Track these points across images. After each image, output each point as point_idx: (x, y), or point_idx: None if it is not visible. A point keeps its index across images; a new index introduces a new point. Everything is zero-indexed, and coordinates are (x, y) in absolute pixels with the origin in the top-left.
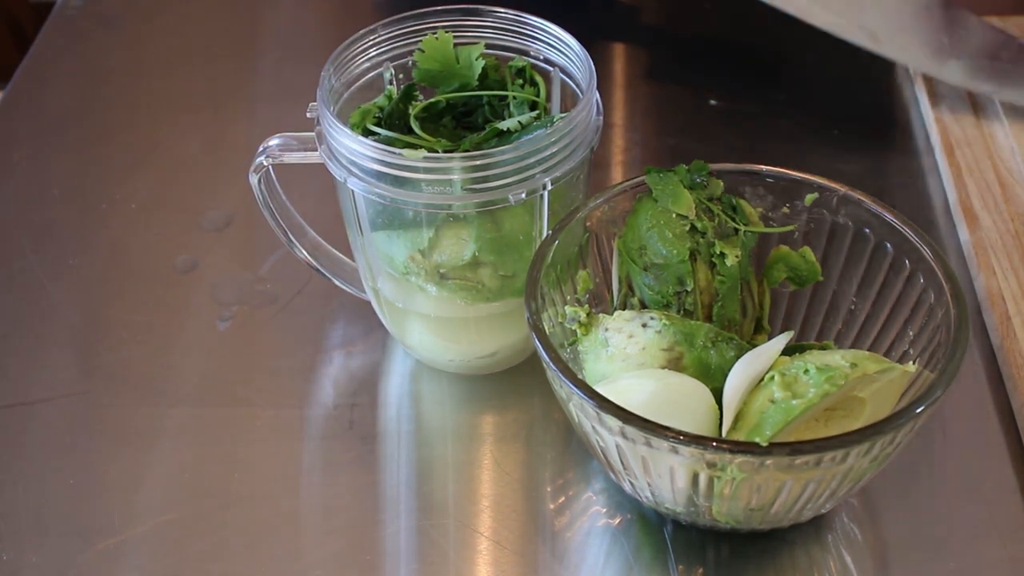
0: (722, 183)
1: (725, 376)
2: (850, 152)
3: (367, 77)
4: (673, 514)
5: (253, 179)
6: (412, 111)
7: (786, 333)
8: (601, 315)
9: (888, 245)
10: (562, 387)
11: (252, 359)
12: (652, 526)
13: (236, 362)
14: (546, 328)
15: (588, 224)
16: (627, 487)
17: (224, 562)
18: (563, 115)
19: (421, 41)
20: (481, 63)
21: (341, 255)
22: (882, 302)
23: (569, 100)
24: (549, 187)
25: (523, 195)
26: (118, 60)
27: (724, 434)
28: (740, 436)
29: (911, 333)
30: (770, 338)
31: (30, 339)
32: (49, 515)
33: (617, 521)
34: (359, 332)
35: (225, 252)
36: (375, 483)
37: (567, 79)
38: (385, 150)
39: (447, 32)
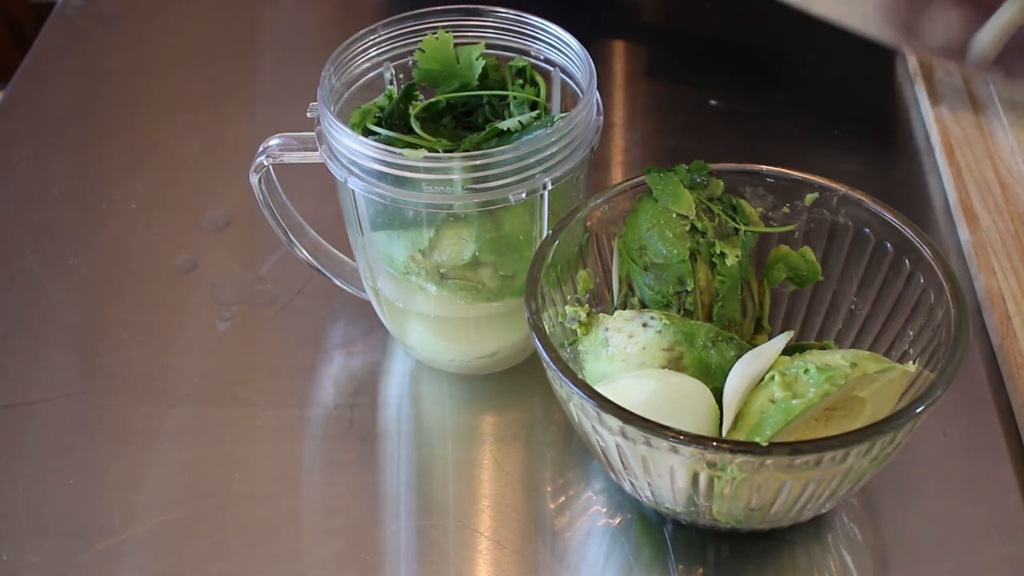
0: (722, 183)
1: (725, 376)
2: (850, 152)
3: (367, 77)
4: (673, 514)
5: (253, 179)
6: (412, 111)
7: (786, 333)
8: (601, 315)
9: (888, 245)
10: (562, 387)
11: (252, 359)
12: (652, 526)
13: (236, 362)
14: (546, 328)
15: (588, 224)
16: (627, 487)
17: (224, 562)
18: (563, 115)
19: (421, 41)
20: (481, 63)
21: (341, 255)
22: (882, 302)
23: (569, 100)
24: (549, 187)
25: (523, 195)
26: (118, 60)
27: (724, 434)
28: (740, 436)
29: (911, 333)
30: (770, 338)
31: (30, 339)
32: (49, 515)
33: (617, 521)
34: (359, 332)
35: (225, 252)
36: (375, 483)
37: (567, 79)
38: (385, 150)
39: (447, 32)
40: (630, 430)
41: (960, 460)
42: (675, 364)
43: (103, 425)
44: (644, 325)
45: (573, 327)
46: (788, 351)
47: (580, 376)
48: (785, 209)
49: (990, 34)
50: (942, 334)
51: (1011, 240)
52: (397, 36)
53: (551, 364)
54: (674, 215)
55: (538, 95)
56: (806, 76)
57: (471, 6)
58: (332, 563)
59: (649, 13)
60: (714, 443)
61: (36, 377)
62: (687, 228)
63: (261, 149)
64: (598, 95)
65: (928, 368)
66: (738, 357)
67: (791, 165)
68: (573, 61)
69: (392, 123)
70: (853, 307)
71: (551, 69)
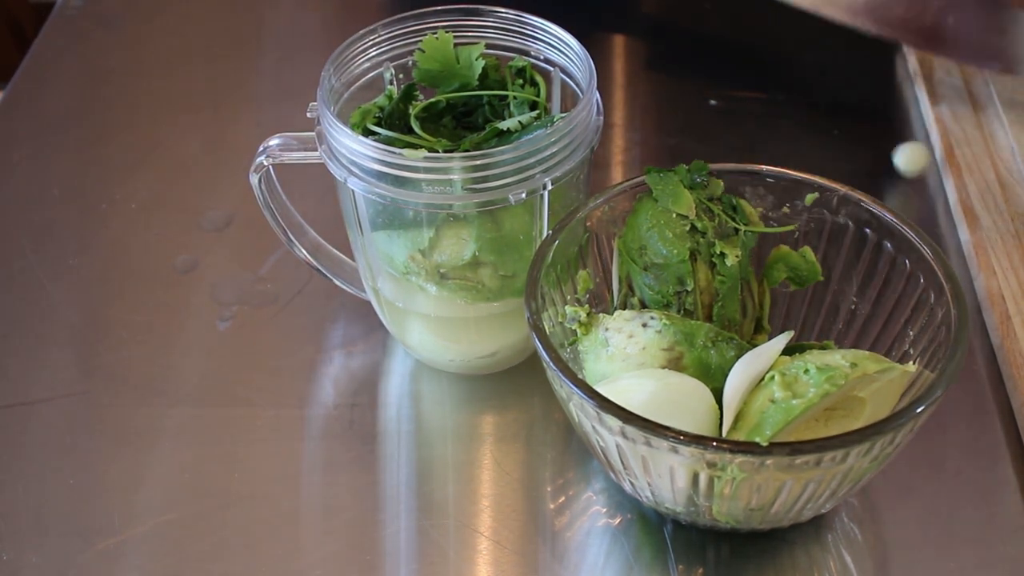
0: (722, 183)
1: (725, 376)
2: (850, 152)
3: (367, 77)
4: (673, 514)
5: (253, 179)
6: (412, 111)
7: (786, 333)
8: (601, 315)
9: (888, 245)
10: (562, 387)
11: (252, 359)
12: (652, 526)
13: (236, 362)
14: (546, 328)
15: (588, 224)
16: (627, 487)
17: (224, 562)
18: (563, 115)
19: (421, 41)
20: (481, 63)
21: (341, 255)
22: (882, 302)
23: (569, 100)
24: (549, 187)
25: (523, 195)
26: (118, 60)
27: (724, 434)
28: (740, 436)
29: (911, 333)
30: (770, 338)
31: (30, 339)
32: (49, 515)
33: (617, 521)
34: (359, 332)
35: (225, 252)
36: (375, 483)
37: (567, 79)
38: (385, 150)
39: (447, 32)
40: (630, 430)
41: (960, 460)
42: (675, 364)
43: (103, 425)
44: (644, 325)
45: (573, 327)
46: (788, 351)
47: (580, 376)
48: (785, 209)
49: None
50: (942, 334)
51: (1011, 240)
52: (397, 36)
53: (551, 364)
54: (674, 215)
55: (538, 95)
56: (806, 76)
57: (471, 6)
58: (332, 563)
59: (649, 14)
60: (714, 443)
61: (36, 377)
62: (687, 228)
63: (261, 149)
64: (598, 95)
65: (928, 368)
66: (738, 357)
67: (791, 165)
68: (573, 61)
69: (392, 123)
70: (853, 307)
71: (551, 69)
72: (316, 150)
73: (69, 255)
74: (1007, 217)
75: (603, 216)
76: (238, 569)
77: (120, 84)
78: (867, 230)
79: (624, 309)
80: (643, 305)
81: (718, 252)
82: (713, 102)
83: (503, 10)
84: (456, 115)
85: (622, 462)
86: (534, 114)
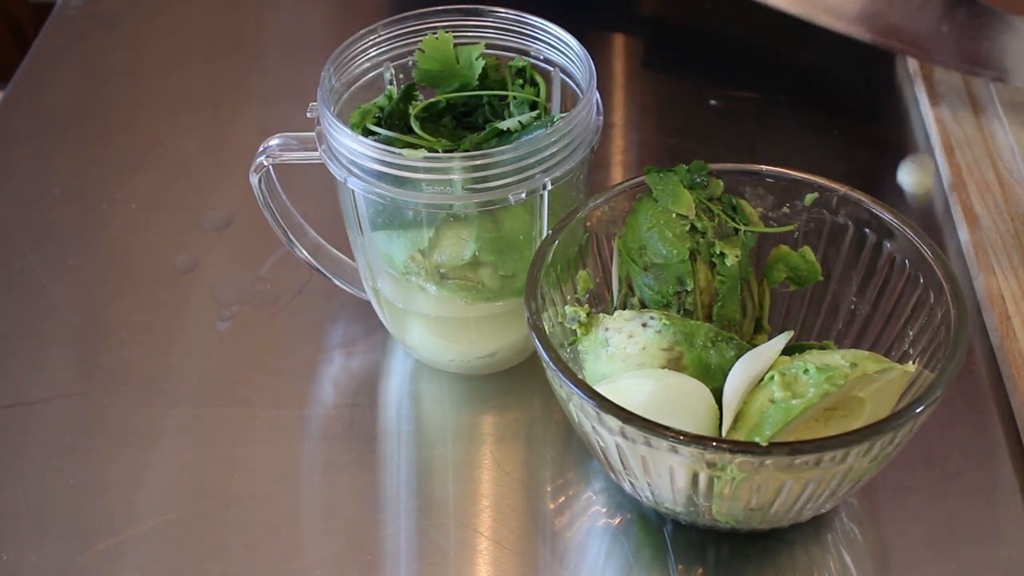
0: (722, 183)
1: (725, 376)
2: (850, 152)
3: (367, 77)
4: (673, 514)
5: (253, 179)
6: (412, 111)
7: (786, 333)
8: (601, 315)
9: (888, 245)
10: (562, 387)
11: (252, 359)
12: (652, 526)
13: (236, 362)
14: (546, 328)
15: (588, 224)
16: (627, 487)
17: (224, 562)
18: (563, 115)
19: (421, 41)
20: (481, 63)
21: (341, 255)
22: (882, 302)
23: (569, 100)
24: (549, 187)
25: (523, 195)
26: (118, 60)
27: (724, 434)
28: (740, 436)
29: (911, 333)
30: (770, 338)
31: (30, 339)
32: (49, 515)
33: (617, 521)
34: (359, 332)
35: (225, 252)
36: (375, 483)
37: (567, 79)
38: (385, 150)
39: (447, 32)
40: (630, 430)
41: (960, 460)
42: (675, 364)
43: (103, 425)
44: (644, 325)
45: (573, 327)
46: (788, 351)
47: (580, 376)
48: (785, 209)
49: None
50: (942, 334)
51: (1011, 240)
52: (397, 36)
53: (551, 364)
54: (674, 215)
55: (538, 95)
56: (806, 76)
57: (471, 6)
58: (332, 563)
59: (648, 14)
60: (714, 443)
61: (36, 377)
62: (687, 228)
63: (261, 149)
64: (598, 95)
65: (928, 368)
66: (738, 357)
67: (791, 165)
68: (573, 61)
69: (392, 123)
70: (853, 307)
71: (551, 69)
72: (316, 150)
73: (69, 255)
74: (1007, 217)
75: (603, 216)
76: (238, 569)
77: (120, 84)
78: (867, 230)
79: (624, 309)
80: (643, 305)
81: (718, 252)
82: (713, 102)
83: (503, 10)
84: (456, 115)
85: (622, 462)
86: (534, 114)
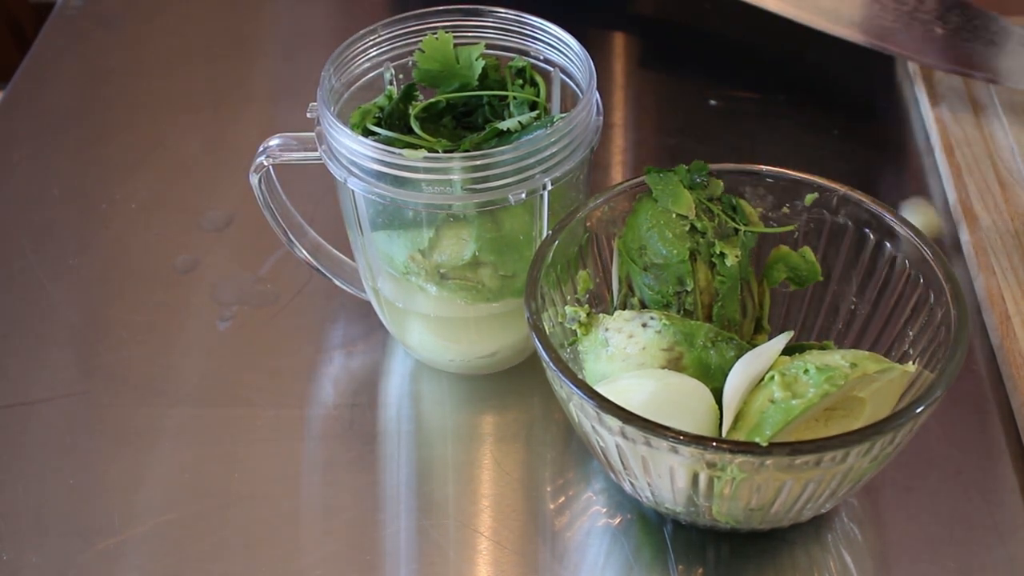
0: (722, 183)
1: (725, 376)
2: (850, 152)
3: (367, 77)
4: (673, 514)
5: (253, 179)
6: (412, 111)
7: (786, 333)
8: (601, 315)
9: (888, 245)
10: (562, 387)
11: (252, 359)
12: (652, 526)
13: (236, 362)
14: (546, 328)
15: (588, 224)
16: (627, 487)
17: (224, 562)
18: (563, 115)
19: (421, 41)
20: (481, 63)
21: (341, 255)
22: (882, 302)
23: (569, 100)
24: (549, 187)
25: (523, 195)
26: (118, 60)
27: (724, 434)
28: (740, 436)
29: (911, 333)
30: (770, 338)
31: (30, 339)
32: (49, 515)
33: (617, 521)
34: (359, 332)
35: (225, 252)
36: (375, 483)
37: (567, 79)
38: (385, 150)
39: (447, 32)
40: (630, 430)
41: (960, 460)
42: (675, 364)
43: (103, 425)
44: (644, 325)
45: (573, 327)
46: (788, 351)
47: (580, 376)
48: (785, 209)
49: None
50: (942, 334)
51: (1011, 240)
52: (397, 36)
53: (551, 364)
54: (674, 215)
55: (538, 95)
56: (806, 76)
57: (471, 6)
58: (332, 563)
59: (648, 14)
60: (714, 443)
61: (36, 377)
62: (687, 228)
63: (261, 149)
64: (598, 95)
65: (928, 368)
66: (738, 357)
67: (791, 165)
68: (573, 61)
69: (392, 123)
70: (853, 307)
71: (551, 69)
72: (316, 150)
73: (69, 255)
74: (1007, 217)
75: (603, 216)
76: (238, 569)
77: (120, 84)
78: (867, 230)
79: (624, 309)
80: (643, 305)
81: (718, 252)
82: (713, 102)
83: (503, 10)
84: (456, 115)
85: (622, 462)
86: (534, 114)
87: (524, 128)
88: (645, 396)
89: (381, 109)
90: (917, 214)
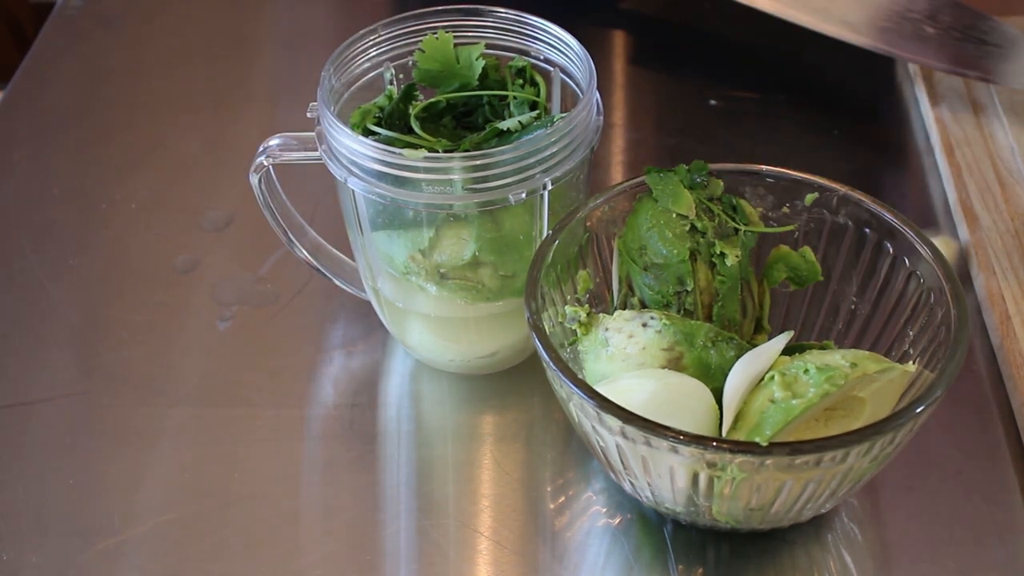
0: (722, 183)
1: (725, 376)
2: (850, 152)
3: (367, 77)
4: (673, 514)
5: (253, 179)
6: (412, 111)
7: (786, 333)
8: (601, 315)
9: (888, 245)
10: (562, 387)
11: (252, 359)
12: (652, 526)
13: (236, 362)
14: (546, 328)
15: (588, 224)
16: (627, 487)
17: (224, 562)
18: (563, 115)
19: (421, 41)
20: (481, 63)
21: (341, 255)
22: (882, 302)
23: (569, 100)
24: (549, 187)
25: (523, 195)
26: (118, 60)
27: (724, 434)
28: (740, 436)
29: (911, 333)
30: (770, 338)
31: (30, 339)
32: (49, 515)
33: (617, 521)
34: (359, 332)
35: (225, 252)
36: (375, 483)
37: (567, 79)
38: (385, 150)
39: (447, 32)
40: (630, 430)
41: (960, 460)
42: (675, 364)
43: (103, 425)
44: (644, 325)
45: (573, 327)
46: (788, 351)
47: (580, 376)
48: (785, 209)
49: None
50: (942, 334)
51: (1011, 240)
52: (397, 36)
53: (551, 364)
54: (674, 215)
55: (538, 95)
56: (806, 76)
57: (471, 6)
58: (332, 563)
59: (648, 14)
60: (714, 443)
61: (36, 377)
62: (687, 228)
63: (261, 149)
64: (598, 95)
65: (928, 368)
66: (738, 357)
67: (791, 165)
68: (573, 61)
69: (392, 123)
70: (853, 307)
71: (551, 69)
72: (316, 150)
73: (69, 255)
74: (1007, 217)
75: (603, 216)
76: (238, 569)
77: (120, 84)
78: (867, 230)
79: (624, 309)
80: (643, 305)
81: (718, 252)
82: (713, 102)
83: (503, 10)
84: (456, 115)
85: (622, 462)
86: (534, 114)
87: (524, 128)
88: (645, 396)
89: (381, 109)
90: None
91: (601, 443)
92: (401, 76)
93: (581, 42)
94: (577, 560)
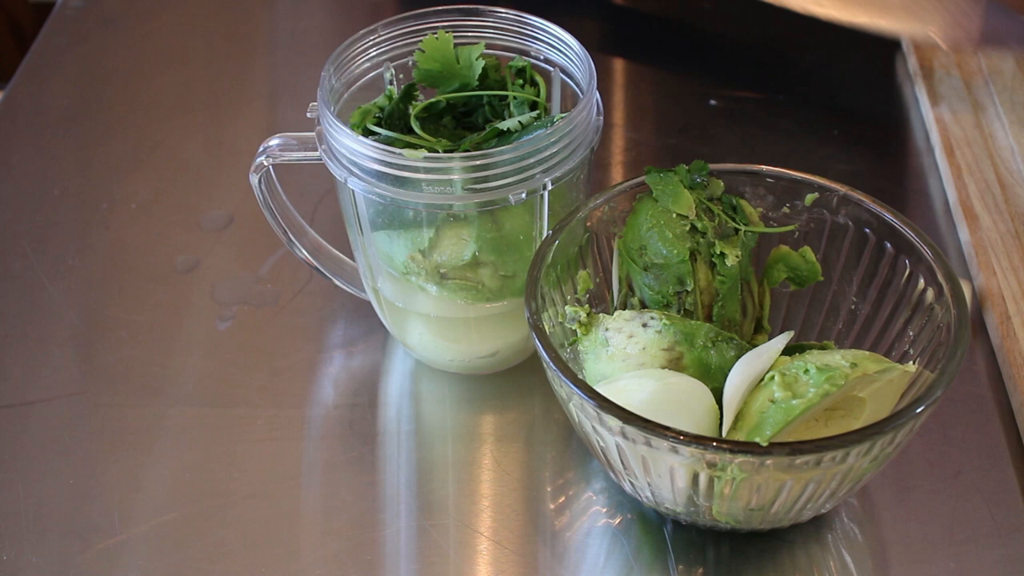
0: (722, 183)
1: (725, 376)
2: (850, 152)
3: (367, 77)
4: (673, 514)
5: (253, 179)
6: (412, 111)
7: (786, 333)
8: (601, 315)
9: (888, 245)
10: (562, 387)
11: (252, 359)
12: (652, 526)
13: (236, 362)
14: (546, 328)
15: (588, 224)
16: (627, 487)
17: (224, 562)
18: (563, 115)
19: (421, 41)
20: (481, 63)
21: (341, 255)
22: (882, 302)
23: (569, 100)
24: (549, 187)
25: (523, 195)
26: (118, 60)
27: (724, 434)
28: (740, 436)
29: (911, 333)
30: (770, 338)
31: (30, 339)
32: (49, 515)
33: (617, 521)
34: (359, 332)
35: (225, 252)
36: (375, 483)
37: (567, 79)
38: (385, 150)
39: (447, 32)
40: (630, 430)
41: (960, 460)
42: (675, 364)
43: (103, 425)
44: (644, 325)
45: (573, 327)
46: (788, 351)
47: (580, 376)
48: (785, 209)
49: None
50: (942, 334)
51: (1011, 240)
52: (397, 36)
53: (551, 364)
54: (674, 215)
55: (538, 95)
56: (806, 76)
57: (471, 6)
58: (332, 563)
59: (648, 14)
60: (714, 443)
61: (36, 377)
62: (687, 228)
63: (261, 149)
64: (598, 95)
65: (928, 368)
66: (738, 357)
67: (791, 165)
68: (573, 61)
69: (392, 123)
70: (853, 307)
71: (551, 69)
72: (316, 150)
73: (69, 255)
74: (1007, 217)
75: (603, 216)
76: (238, 569)
77: (120, 84)
78: (867, 230)
79: (624, 309)
80: (643, 305)
81: (718, 252)
82: (713, 102)
83: (503, 10)
84: (456, 115)
85: (622, 462)
86: (534, 114)
87: (524, 128)
88: (645, 396)
89: (381, 109)
90: None
91: (601, 443)
92: (401, 76)
93: (581, 42)
94: (577, 560)
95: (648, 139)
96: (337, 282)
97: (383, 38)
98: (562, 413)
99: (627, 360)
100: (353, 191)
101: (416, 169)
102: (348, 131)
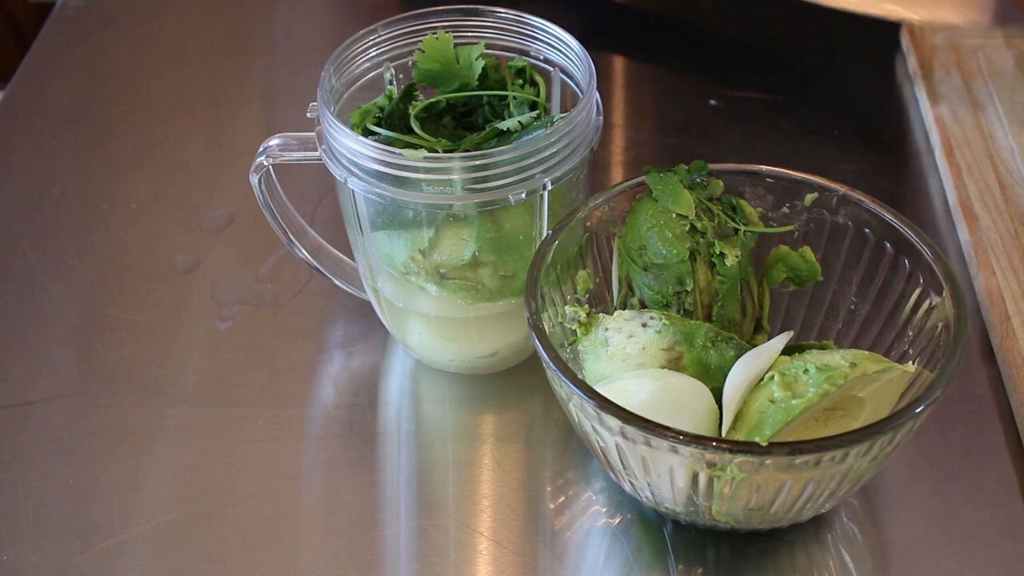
0: (722, 183)
1: (725, 376)
2: (850, 152)
3: (367, 77)
4: (673, 514)
5: (253, 179)
6: (412, 111)
7: (786, 333)
8: (601, 315)
9: (888, 245)
10: (562, 387)
11: (252, 359)
12: (652, 526)
13: (236, 362)
14: (546, 328)
15: (588, 224)
16: (627, 487)
17: (224, 562)
18: (563, 115)
19: (421, 41)
20: (481, 63)
21: (341, 255)
22: (882, 302)
23: (569, 100)
24: (549, 187)
25: (523, 195)
26: (118, 60)
27: (724, 434)
28: (740, 436)
29: (911, 333)
30: (770, 338)
31: (30, 339)
32: (49, 515)
33: (617, 521)
34: (359, 332)
35: (225, 252)
36: (375, 483)
37: (567, 79)
38: (385, 150)
39: (447, 32)
40: (630, 430)
41: (960, 460)
42: (675, 364)
43: (103, 425)
44: (644, 325)
45: (573, 327)
46: (788, 351)
47: (580, 376)
48: (785, 209)
49: None
50: (941, 334)
51: (1011, 240)
52: (397, 36)
53: (551, 364)
54: (674, 215)
55: (538, 95)
56: (806, 76)
57: (471, 6)
58: (332, 563)
59: (648, 14)
60: (714, 443)
61: (36, 377)
62: (687, 228)
63: (261, 149)
64: (598, 95)
65: (928, 368)
66: (738, 357)
67: (791, 165)
68: (573, 61)
69: (392, 123)
70: (853, 307)
71: (551, 69)
72: (316, 150)
73: (69, 255)
74: (1007, 217)
75: (603, 216)
76: (238, 569)
77: (120, 84)
78: (867, 230)
79: (624, 309)
80: (643, 305)
81: (718, 252)
82: (713, 102)
83: (503, 10)
84: (456, 115)
85: (622, 462)
86: (534, 114)
87: (524, 128)
88: (645, 396)
89: (381, 109)
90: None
91: (601, 443)
92: (401, 76)
93: (581, 42)
94: (577, 560)
95: (648, 139)
96: (337, 282)
97: (383, 38)
98: (562, 413)
99: (627, 360)
100: (353, 191)
101: (416, 169)
102: (348, 131)
